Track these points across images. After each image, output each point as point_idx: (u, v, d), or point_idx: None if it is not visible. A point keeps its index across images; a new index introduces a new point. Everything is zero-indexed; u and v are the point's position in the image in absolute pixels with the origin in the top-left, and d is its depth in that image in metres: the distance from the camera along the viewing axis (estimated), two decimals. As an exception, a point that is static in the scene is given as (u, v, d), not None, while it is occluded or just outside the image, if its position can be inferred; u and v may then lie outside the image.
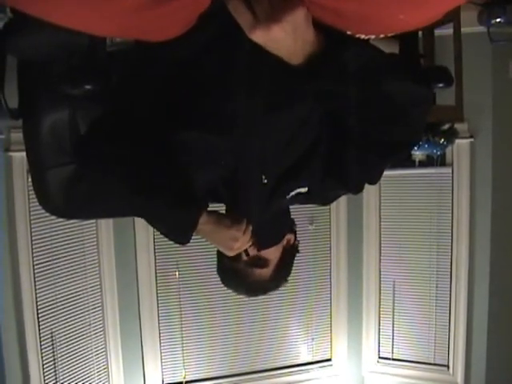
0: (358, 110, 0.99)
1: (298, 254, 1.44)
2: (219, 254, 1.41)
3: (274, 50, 0.87)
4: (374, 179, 1.20)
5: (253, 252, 1.30)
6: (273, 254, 1.33)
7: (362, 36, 0.94)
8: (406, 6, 0.82)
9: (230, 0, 0.81)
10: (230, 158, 1.13)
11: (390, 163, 1.16)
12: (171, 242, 1.27)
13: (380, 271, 4.45)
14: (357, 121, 1.01)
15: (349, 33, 0.92)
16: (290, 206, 1.41)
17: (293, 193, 1.20)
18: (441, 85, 1.18)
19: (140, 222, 3.91)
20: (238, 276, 1.35)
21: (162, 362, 4.20)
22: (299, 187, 1.19)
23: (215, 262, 1.46)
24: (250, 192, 1.18)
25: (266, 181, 1.15)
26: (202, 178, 1.16)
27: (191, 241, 1.24)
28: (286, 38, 0.83)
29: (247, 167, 1.14)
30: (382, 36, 0.95)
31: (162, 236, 1.31)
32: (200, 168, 1.14)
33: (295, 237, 1.42)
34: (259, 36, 0.83)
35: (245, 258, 1.32)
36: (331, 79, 0.91)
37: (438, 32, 3.13)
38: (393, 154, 1.11)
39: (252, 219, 1.22)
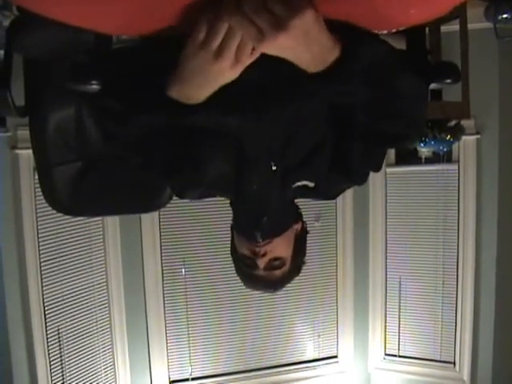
0: (366, 106, 0.99)
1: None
2: (234, 256, 1.40)
3: (291, 58, 0.84)
4: (378, 168, 1.20)
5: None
6: (286, 250, 1.33)
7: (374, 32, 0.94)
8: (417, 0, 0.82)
9: (232, 17, 0.79)
10: (240, 138, 1.12)
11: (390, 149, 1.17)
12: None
13: (386, 268, 4.44)
14: (363, 115, 1.01)
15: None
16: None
17: (299, 183, 1.19)
18: (448, 81, 1.17)
19: (146, 220, 3.92)
20: (261, 281, 1.34)
21: (168, 359, 4.21)
22: (306, 180, 1.19)
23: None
24: (259, 178, 1.17)
25: (275, 168, 1.15)
26: (216, 167, 1.16)
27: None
28: (298, 45, 0.80)
29: (256, 152, 1.13)
30: (393, 31, 0.94)
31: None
32: (214, 155, 1.13)
33: (302, 222, 1.41)
34: (267, 47, 0.80)
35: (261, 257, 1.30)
36: (346, 80, 0.90)
37: (444, 28, 3.12)
38: (395, 145, 1.12)
39: (261, 207, 1.21)
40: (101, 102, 1.00)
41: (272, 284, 1.36)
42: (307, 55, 0.84)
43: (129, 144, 1.09)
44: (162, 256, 4.08)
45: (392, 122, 1.04)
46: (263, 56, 0.86)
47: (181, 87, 0.91)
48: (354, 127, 1.05)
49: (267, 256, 1.28)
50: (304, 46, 0.81)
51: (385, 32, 0.95)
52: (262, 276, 1.32)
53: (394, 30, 0.94)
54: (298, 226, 1.38)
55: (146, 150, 1.10)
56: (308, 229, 1.45)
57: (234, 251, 1.41)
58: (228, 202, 1.36)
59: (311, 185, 1.20)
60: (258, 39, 0.78)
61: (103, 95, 1.00)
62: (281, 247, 1.30)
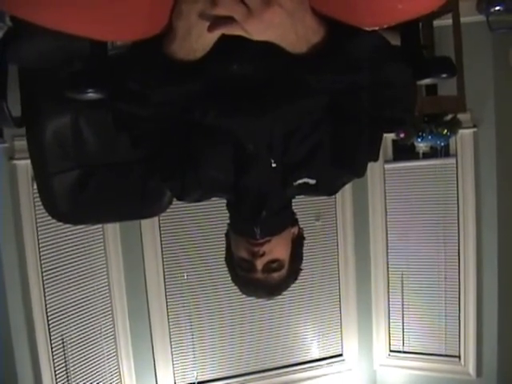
0: (361, 96, 1.00)
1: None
2: (230, 264, 1.40)
3: (276, 39, 0.86)
4: (376, 156, 1.20)
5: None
6: (284, 253, 1.32)
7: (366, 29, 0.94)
8: None
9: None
10: (240, 136, 1.13)
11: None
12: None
13: (388, 264, 4.45)
14: (359, 101, 1.02)
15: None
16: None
17: (300, 181, 1.19)
18: (444, 75, 1.18)
19: (147, 225, 3.92)
20: (259, 285, 1.33)
21: (173, 364, 4.20)
22: (307, 177, 1.19)
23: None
24: (259, 175, 1.17)
25: (274, 165, 1.15)
26: (215, 167, 1.16)
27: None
28: (284, 23, 0.82)
29: (256, 149, 1.13)
30: (385, 27, 0.95)
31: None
32: (213, 156, 1.14)
33: (298, 226, 1.41)
34: (255, 25, 0.81)
35: (259, 267, 1.31)
36: (339, 69, 0.91)
37: (437, 23, 3.13)
38: (392, 128, 1.14)
39: (260, 203, 1.21)
40: (122, 88, 1.00)
41: (269, 288, 1.35)
42: (292, 35, 0.85)
43: (147, 134, 1.10)
44: (163, 260, 4.07)
45: (386, 109, 1.06)
46: (258, 52, 0.87)
47: (181, 41, 0.90)
48: (351, 113, 1.06)
49: (265, 257, 1.27)
50: (289, 25, 0.83)
51: (376, 28, 0.95)
52: (260, 279, 1.31)
53: (385, 26, 0.94)
54: (294, 230, 1.38)
55: (157, 147, 1.12)
56: (309, 229, 1.45)
57: (229, 259, 1.40)
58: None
59: (312, 182, 1.20)
60: (247, 17, 0.79)
61: (123, 82, 1.00)
62: (279, 248, 1.30)
